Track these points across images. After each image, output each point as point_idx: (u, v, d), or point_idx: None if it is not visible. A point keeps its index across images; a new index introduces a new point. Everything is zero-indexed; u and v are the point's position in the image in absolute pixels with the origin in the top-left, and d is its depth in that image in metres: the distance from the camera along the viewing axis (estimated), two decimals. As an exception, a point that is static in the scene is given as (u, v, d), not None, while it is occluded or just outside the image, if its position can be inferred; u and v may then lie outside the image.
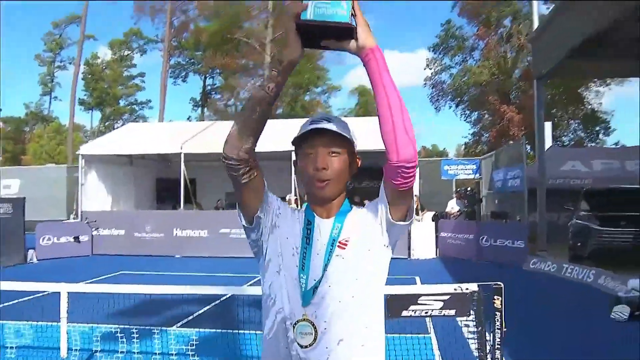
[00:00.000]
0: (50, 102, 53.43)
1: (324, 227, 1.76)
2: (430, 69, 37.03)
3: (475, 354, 4.97)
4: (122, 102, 52.30)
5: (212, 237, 15.95)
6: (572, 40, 11.91)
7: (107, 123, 52.72)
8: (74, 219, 18.41)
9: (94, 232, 16.39)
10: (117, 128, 41.73)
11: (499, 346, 4.38)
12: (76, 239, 15.94)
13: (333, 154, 1.69)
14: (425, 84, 37.63)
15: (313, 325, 1.65)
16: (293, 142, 1.76)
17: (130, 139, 19.19)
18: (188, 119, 47.52)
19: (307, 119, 1.79)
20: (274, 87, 1.64)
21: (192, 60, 46.85)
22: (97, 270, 11.84)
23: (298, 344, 1.67)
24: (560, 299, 9.66)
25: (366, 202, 1.94)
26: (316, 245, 1.74)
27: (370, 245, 1.75)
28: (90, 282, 9.70)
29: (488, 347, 4.56)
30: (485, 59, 34.75)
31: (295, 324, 1.68)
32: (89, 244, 16.23)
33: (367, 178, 21.35)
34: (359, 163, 1.79)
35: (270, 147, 16.65)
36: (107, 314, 5.99)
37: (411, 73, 79.57)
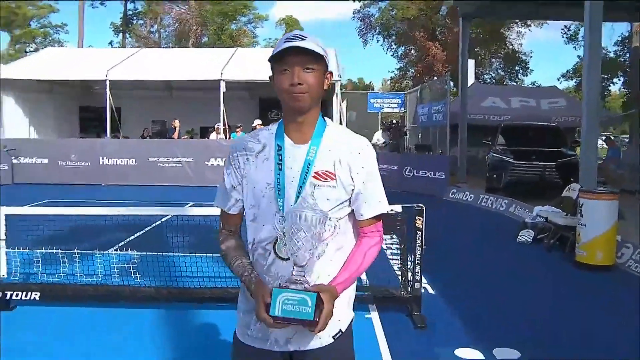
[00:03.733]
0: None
1: (297, 153, 1.82)
2: (359, 1, 36.87)
3: (397, 272, 5.50)
4: (33, 24, 48.87)
5: (139, 165, 15.81)
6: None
7: (17, 46, 49.29)
8: (-10, 147, 17.62)
9: (14, 161, 15.82)
10: (29, 52, 39.32)
11: (419, 262, 4.88)
12: (-6, 167, 15.36)
13: (308, 70, 1.74)
14: (353, 16, 37.53)
15: (285, 244, 1.76)
16: (269, 60, 1.82)
17: (51, 64, 18.27)
18: (110, 44, 45.27)
19: (283, 36, 1.84)
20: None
21: (111, -18, 44.20)
22: (21, 199, 11.57)
23: (278, 256, 1.79)
24: (475, 225, 10.50)
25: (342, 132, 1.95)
26: (289, 173, 1.80)
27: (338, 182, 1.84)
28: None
29: (409, 263, 5.07)
30: (413, -6, 34.93)
31: (275, 242, 1.79)
32: (9, 172, 15.67)
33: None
34: (331, 79, 1.86)
35: (198, 75, 16.56)
36: (45, 238, 6.05)
37: (340, 5, 78.76)
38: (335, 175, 1.81)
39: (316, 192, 1.78)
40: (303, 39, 1.75)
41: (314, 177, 1.80)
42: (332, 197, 1.80)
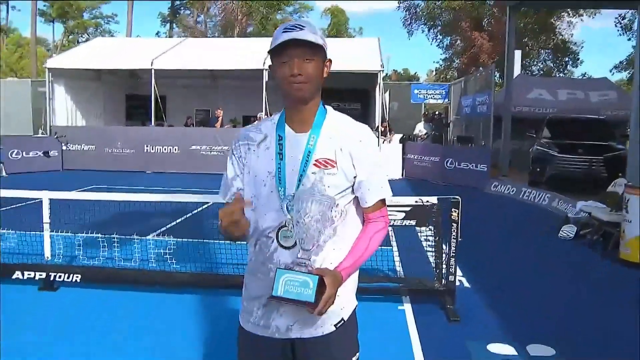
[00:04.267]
0: (7, 12, 50.91)
1: (297, 142, 1.84)
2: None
3: (433, 264, 5.44)
4: (86, 16, 50.26)
5: (182, 153, 16.12)
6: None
7: (70, 37, 50.78)
8: (42, 134, 18.26)
9: (64, 147, 16.37)
10: (81, 42, 40.39)
11: (453, 254, 4.82)
12: (46, 153, 15.93)
13: (307, 60, 1.76)
14: (398, 7, 37.01)
15: (292, 230, 1.78)
16: (269, 52, 1.83)
17: (99, 53, 18.74)
18: (157, 34, 46.14)
19: (280, 26, 1.84)
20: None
21: (160, -27, 44.99)
22: (70, 184, 11.97)
23: (281, 245, 1.81)
24: (515, 218, 10.29)
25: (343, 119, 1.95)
26: (290, 161, 1.83)
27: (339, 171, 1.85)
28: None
29: (444, 256, 5.01)
30: (460, -16, 34.30)
31: (279, 230, 1.81)
32: (59, 158, 16.26)
33: (338, 99, 21.56)
34: (330, 67, 1.87)
35: (242, 65, 16.66)
36: (87, 223, 6.23)
37: (385, -5, 77.88)
38: (336, 163, 1.82)
39: (318, 179, 1.78)
40: (301, 29, 1.76)
41: (315, 164, 1.81)
42: (333, 184, 1.81)
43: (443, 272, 4.99)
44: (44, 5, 46.81)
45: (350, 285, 1.91)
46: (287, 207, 1.78)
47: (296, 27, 1.77)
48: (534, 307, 5.22)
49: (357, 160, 1.83)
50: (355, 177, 1.84)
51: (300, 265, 1.73)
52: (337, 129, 1.87)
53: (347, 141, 1.84)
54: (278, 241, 1.82)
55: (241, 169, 1.92)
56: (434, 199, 4.90)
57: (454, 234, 4.81)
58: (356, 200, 1.90)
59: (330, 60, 1.87)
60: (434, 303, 4.99)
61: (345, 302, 1.89)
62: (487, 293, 5.55)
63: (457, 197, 4.84)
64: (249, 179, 1.89)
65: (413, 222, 4.96)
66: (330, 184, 1.80)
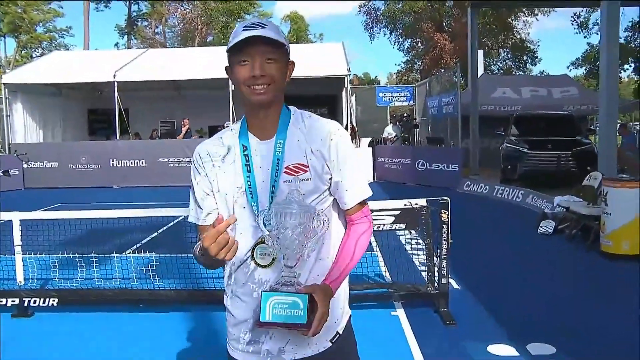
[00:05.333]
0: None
1: (264, 150, 1.69)
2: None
3: (420, 267, 5.37)
4: (39, 29, 49.00)
5: (150, 166, 15.77)
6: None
7: (24, 52, 49.44)
8: (0, 152, 17.64)
9: (25, 165, 15.84)
10: (36, 57, 39.37)
11: (445, 256, 4.74)
12: (6, 172, 15.30)
13: (269, 61, 1.60)
14: (359, 10, 37.30)
15: (272, 246, 1.62)
16: (227, 50, 1.65)
17: (58, 67, 18.23)
18: (116, 46, 45.33)
19: (239, 24, 1.67)
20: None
21: (115, -16, 44.19)
22: (35, 204, 11.54)
23: (257, 264, 1.65)
24: (493, 217, 10.34)
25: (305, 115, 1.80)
26: (259, 173, 1.67)
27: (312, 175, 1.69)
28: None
29: (435, 258, 4.93)
30: (419, -14, 34.72)
31: (254, 248, 1.65)
32: (20, 177, 15.73)
33: (301, 105, 21.28)
34: (292, 69, 1.72)
35: (206, 74, 16.42)
36: (61, 243, 5.96)
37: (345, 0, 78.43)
38: (308, 167, 1.66)
39: (292, 188, 1.63)
40: (263, 27, 1.60)
41: (286, 172, 1.65)
42: (309, 190, 1.65)
43: (435, 275, 4.91)
44: (-6, 20, 45.55)
45: (342, 295, 1.76)
46: (263, 222, 1.60)
47: (257, 24, 1.61)
48: (527, 305, 5.19)
49: (329, 160, 1.67)
50: (330, 178, 1.68)
51: (286, 285, 1.57)
52: (303, 130, 1.71)
53: (317, 141, 1.68)
54: (254, 259, 1.66)
55: (209, 188, 1.74)
56: (422, 202, 4.82)
57: (444, 235, 4.74)
58: (336, 202, 1.75)
59: (293, 63, 1.71)
60: (427, 307, 4.91)
61: (338, 314, 1.74)
62: (478, 294, 5.50)
63: (446, 198, 4.77)
64: (219, 197, 1.72)
65: (403, 226, 4.86)
66: (306, 190, 1.64)
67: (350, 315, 1.82)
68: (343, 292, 1.77)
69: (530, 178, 12.32)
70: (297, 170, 1.65)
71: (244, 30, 1.59)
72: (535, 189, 11.10)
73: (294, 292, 1.55)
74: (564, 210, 8.31)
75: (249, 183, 1.67)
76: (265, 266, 1.65)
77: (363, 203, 1.77)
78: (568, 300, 5.34)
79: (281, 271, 1.59)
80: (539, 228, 8.35)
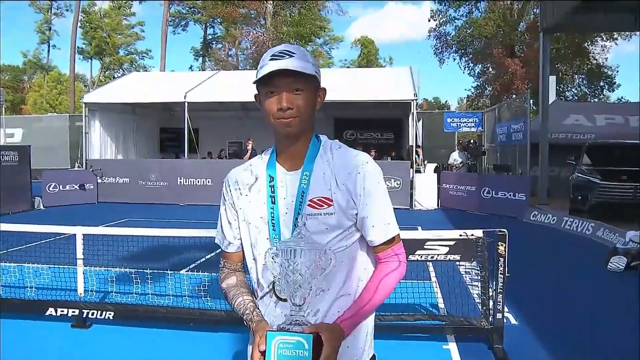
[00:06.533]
0: (48, 51, 52.84)
1: (289, 181, 1.66)
2: (435, 20, 36.49)
3: (477, 299, 5.17)
4: (121, 52, 51.70)
5: (216, 185, 16.09)
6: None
7: (107, 72, 52.26)
8: (78, 167, 18.57)
9: (99, 180, 16.56)
10: (117, 78, 41.40)
11: (501, 290, 4.55)
12: (82, 186, 16.12)
13: (297, 92, 1.58)
14: (429, 35, 37.12)
15: (284, 280, 1.55)
16: (254, 81, 1.64)
17: (134, 88, 19.14)
18: (190, 68, 47.10)
19: (267, 51, 1.64)
20: None
21: (192, 9, 46.03)
22: (104, 217, 12.03)
23: (278, 297, 1.63)
24: (559, 249, 9.88)
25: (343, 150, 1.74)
26: (283, 204, 1.65)
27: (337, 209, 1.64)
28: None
29: (491, 292, 4.74)
30: (490, 11, 34.23)
31: (274, 282, 1.63)
32: (95, 191, 16.45)
33: (367, 129, 21.38)
34: (324, 97, 1.70)
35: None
36: (120, 257, 6.15)
37: (415, 25, 78.53)
38: (332, 201, 1.61)
39: (312, 222, 1.58)
40: (291, 56, 1.57)
41: (309, 205, 1.61)
42: (331, 225, 1.60)
43: (490, 309, 4.72)
44: (83, 43, 48.40)
45: (362, 335, 1.68)
46: (275, 258, 1.54)
47: (285, 53, 1.58)
48: (590, 348, 4.88)
49: (355, 194, 1.62)
50: (356, 213, 1.63)
51: (294, 324, 1.52)
52: (331, 161, 1.66)
53: (343, 173, 1.63)
54: (275, 293, 1.63)
55: (234, 216, 1.74)
56: (479, 233, 4.65)
57: (500, 269, 4.55)
58: (363, 239, 1.68)
59: (324, 90, 1.68)
60: (480, 342, 4.72)
61: (357, 353, 1.66)
62: (537, 331, 5.22)
63: (503, 230, 4.59)
64: (244, 227, 1.71)
65: (457, 257, 4.70)
66: (329, 225, 1.59)
67: (374, 357, 1.73)
68: (364, 332, 1.70)
69: (602, 210, 11.70)
70: (321, 204, 1.62)
71: (271, 59, 1.58)
72: (607, 222, 10.54)
73: (300, 331, 1.50)
74: (638, 245, 7.85)
75: (272, 214, 1.65)
76: (284, 300, 1.61)
77: (392, 240, 1.69)
78: (633, 344, 4.99)
79: (290, 310, 1.54)
80: (609, 264, 7.90)
